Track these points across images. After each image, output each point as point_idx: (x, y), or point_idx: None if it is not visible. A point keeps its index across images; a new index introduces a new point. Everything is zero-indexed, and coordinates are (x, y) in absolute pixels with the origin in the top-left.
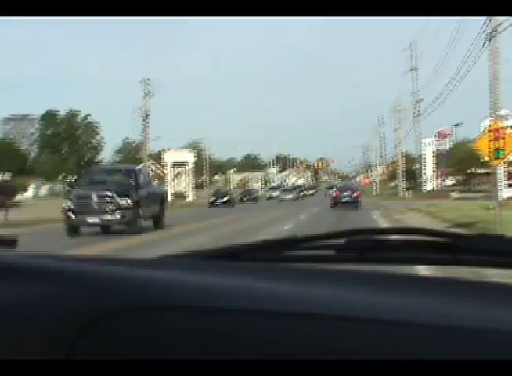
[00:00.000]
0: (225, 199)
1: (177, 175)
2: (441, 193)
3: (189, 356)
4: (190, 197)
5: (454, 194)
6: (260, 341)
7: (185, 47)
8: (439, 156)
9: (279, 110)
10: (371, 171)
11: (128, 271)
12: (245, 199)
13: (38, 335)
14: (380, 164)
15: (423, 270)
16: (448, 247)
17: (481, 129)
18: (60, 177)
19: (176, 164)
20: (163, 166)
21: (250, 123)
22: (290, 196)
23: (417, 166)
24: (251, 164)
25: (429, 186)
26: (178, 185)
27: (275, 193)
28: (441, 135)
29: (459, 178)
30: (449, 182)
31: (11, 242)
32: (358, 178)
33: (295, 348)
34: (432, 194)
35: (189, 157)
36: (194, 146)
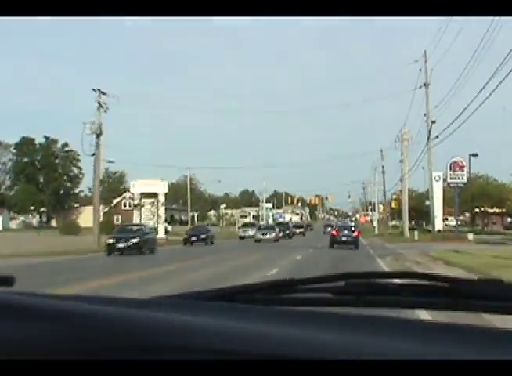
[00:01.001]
0: (202, 236)
1: (142, 206)
2: (453, 234)
3: None
4: (161, 232)
5: (470, 236)
6: None
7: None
8: (448, 191)
9: (276, 146)
10: (371, 210)
11: (125, 311)
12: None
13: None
14: (380, 202)
15: (424, 314)
16: (448, 291)
17: None
18: (32, 207)
19: (145, 195)
20: (133, 198)
21: (248, 159)
22: (268, 236)
23: (425, 203)
24: (248, 200)
25: (436, 226)
26: (151, 219)
27: (249, 232)
28: (456, 167)
29: (461, 217)
30: (451, 222)
31: (7, 280)
32: (357, 216)
33: None
34: (444, 236)
35: (161, 188)
36: (186, 181)
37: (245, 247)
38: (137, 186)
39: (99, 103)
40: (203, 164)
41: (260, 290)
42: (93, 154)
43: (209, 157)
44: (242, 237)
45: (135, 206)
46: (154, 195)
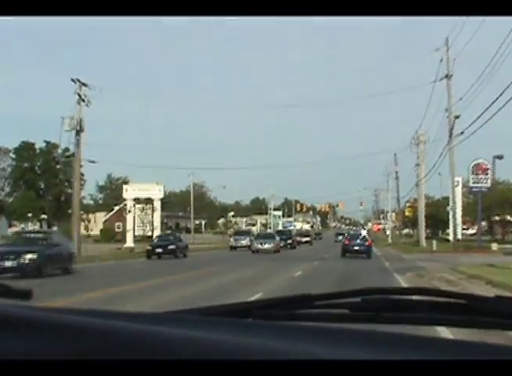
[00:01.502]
0: (170, 247)
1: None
2: (474, 243)
3: None
4: None
5: (494, 246)
6: None
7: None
8: (464, 198)
9: (286, 147)
10: (383, 218)
11: (139, 326)
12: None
13: None
14: (392, 210)
15: (444, 331)
16: (465, 308)
17: None
18: (30, 214)
19: (139, 201)
20: (125, 203)
21: (256, 161)
22: (267, 246)
23: (447, 209)
24: (258, 208)
25: (451, 236)
26: (145, 226)
27: (242, 242)
28: (479, 170)
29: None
30: (468, 231)
31: (25, 294)
32: (369, 225)
33: None
34: (465, 246)
35: (155, 193)
36: (195, 188)
37: (233, 260)
38: (130, 191)
39: (79, 95)
40: (207, 166)
41: (275, 305)
42: (69, 156)
43: (213, 159)
44: (233, 247)
45: (129, 212)
46: (149, 200)
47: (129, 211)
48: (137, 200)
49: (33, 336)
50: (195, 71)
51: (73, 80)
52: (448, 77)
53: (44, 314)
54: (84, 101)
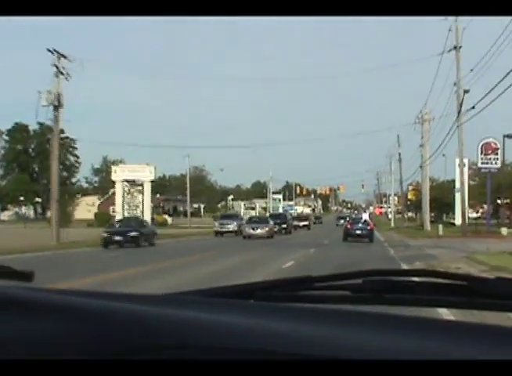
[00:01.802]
0: (131, 234)
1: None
2: (482, 228)
3: None
4: None
5: (504, 231)
6: None
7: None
8: (472, 179)
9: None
10: (385, 202)
11: (142, 308)
12: (116, 239)
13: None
14: (395, 194)
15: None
16: (465, 290)
17: None
18: (22, 198)
19: (128, 183)
20: (113, 184)
21: (259, 151)
22: (259, 231)
23: (453, 191)
24: (259, 192)
25: (458, 220)
26: (132, 209)
27: (229, 226)
28: (488, 149)
29: (481, 210)
30: (471, 214)
31: (27, 276)
32: (370, 208)
33: None
34: (474, 230)
35: (146, 175)
36: (195, 172)
37: (213, 247)
38: (119, 173)
39: (57, 67)
40: (206, 145)
41: (277, 287)
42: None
43: (212, 138)
44: (219, 233)
45: (113, 194)
46: (138, 183)
47: (115, 193)
48: (132, 183)
49: (34, 317)
50: (191, 45)
51: (49, 50)
52: (457, 48)
53: (45, 295)
54: (62, 74)
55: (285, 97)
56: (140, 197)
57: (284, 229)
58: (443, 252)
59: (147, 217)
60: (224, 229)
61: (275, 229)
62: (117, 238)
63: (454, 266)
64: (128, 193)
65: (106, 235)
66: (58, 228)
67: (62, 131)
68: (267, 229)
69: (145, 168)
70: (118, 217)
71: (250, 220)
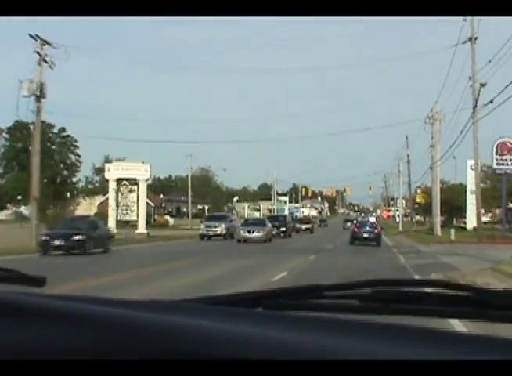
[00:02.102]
0: (76, 238)
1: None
2: (497, 233)
3: None
4: (141, 227)
5: None
6: None
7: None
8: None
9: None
10: (393, 205)
11: (148, 315)
12: (57, 244)
13: None
14: (402, 197)
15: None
16: (472, 301)
17: None
18: (19, 197)
19: (123, 181)
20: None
21: (266, 152)
22: (256, 234)
23: (455, 195)
24: (266, 194)
25: (470, 224)
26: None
27: (217, 229)
28: (504, 149)
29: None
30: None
31: (39, 281)
32: (378, 212)
33: None
34: (489, 235)
35: (141, 173)
36: (201, 173)
37: (194, 254)
38: (113, 171)
39: (39, 54)
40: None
41: (285, 295)
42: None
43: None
44: (204, 236)
45: (114, 191)
46: (133, 181)
47: (114, 191)
48: (126, 181)
49: (42, 324)
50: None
51: (32, 36)
52: (472, 39)
53: (53, 302)
54: (46, 62)
55: (290, 92)
56: (134, 196)
57: (283, 232)
58: (461, 261)
59: (142, 217)
60: (210, 232)
61: (274, 232)
62: (58, 242)
63: (481, 281)
64: (122, 193)
65: (44, 238)
66: (37, 229)
67: (63, 130)
68: (264, 232)
69: (140, 166)
70: (111, 218)
71: (246, 222)
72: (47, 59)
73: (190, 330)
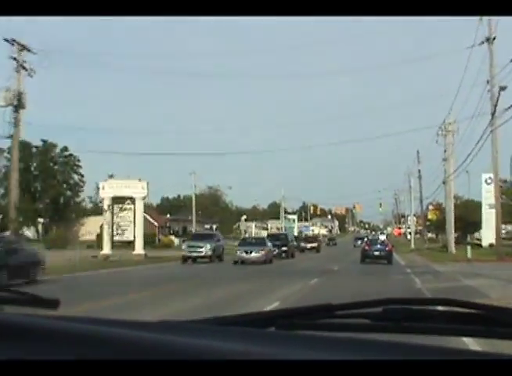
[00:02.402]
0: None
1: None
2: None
3: None
4: (138, 247)
5: None
6: None
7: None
8: (502, 197)
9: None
10: (403, 222)
11: (156, 336)
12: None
13: None
14: (413, 214)
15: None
16: (484, 319)
17: None
18: (21, 219)
19: (118, 200)
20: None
21: (275, 169)
22: (254, 254)
23: (469, 211)
24: (276, 212)
25: (485, 241)
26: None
27: (201, 250)
28: None
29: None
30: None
31: (53, 303)
32: (388, 229)
33: None
34: (506, 253)
35: (137, 191)
36: (210, 192)
37: (166, 281)
38: (107, 189)
39: (17, 60)
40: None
41: (298, 314)
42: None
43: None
44: (188, 258)
45: (105, 212)
46: (128, 200)
47: (106, 211)
48: (122, 199)
49: (46, 345)
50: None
51: (7, 40)
52: (490, 40)
53: (60, 323)
54: (25, 68)
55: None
56: (131, 215)
57: (285, 252)
58: (488, 284)
59: (139, 237)
60: (194, 254)
61: (275, 252)
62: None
63: None
64: (111, 212)
65: None
66: None
67: (65, 149)
68: (263, 252)
69: (137, 184)
70: (106, 238)
71: (244, 241)
72: (25, 65)
73: (199, 350)
